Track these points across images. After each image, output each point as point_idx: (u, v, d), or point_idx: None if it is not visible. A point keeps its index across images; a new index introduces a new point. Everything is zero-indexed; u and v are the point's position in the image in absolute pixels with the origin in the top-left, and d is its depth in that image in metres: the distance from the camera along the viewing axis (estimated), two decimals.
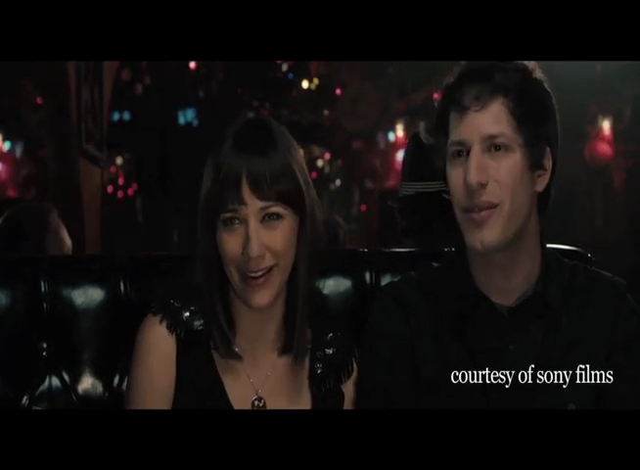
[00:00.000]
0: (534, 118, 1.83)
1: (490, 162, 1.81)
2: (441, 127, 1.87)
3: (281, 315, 1.91)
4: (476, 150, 1.81)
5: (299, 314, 1.88)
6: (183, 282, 1.91)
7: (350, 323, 2.02)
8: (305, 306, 1.89)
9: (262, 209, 1.82)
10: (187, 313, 1.88)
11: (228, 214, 1.82)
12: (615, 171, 10.56)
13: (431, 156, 2.82)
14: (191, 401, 1.84)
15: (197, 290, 1.88)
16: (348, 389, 1.94)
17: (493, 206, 1.81)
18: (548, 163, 1.87)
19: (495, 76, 1.82)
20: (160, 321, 1.86)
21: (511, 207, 1.82)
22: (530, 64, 1.87)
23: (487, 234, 1.82)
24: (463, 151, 1.83)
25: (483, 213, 1.81)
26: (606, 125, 10.33)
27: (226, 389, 1.87)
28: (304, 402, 1.91)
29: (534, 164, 1.84)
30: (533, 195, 1.86)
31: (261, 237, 1.81)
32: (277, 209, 1.83)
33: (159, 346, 1.86)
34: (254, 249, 1.80)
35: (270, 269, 1.82)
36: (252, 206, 1.81)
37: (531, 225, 1.88)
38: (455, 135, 1.84)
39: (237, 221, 1.82)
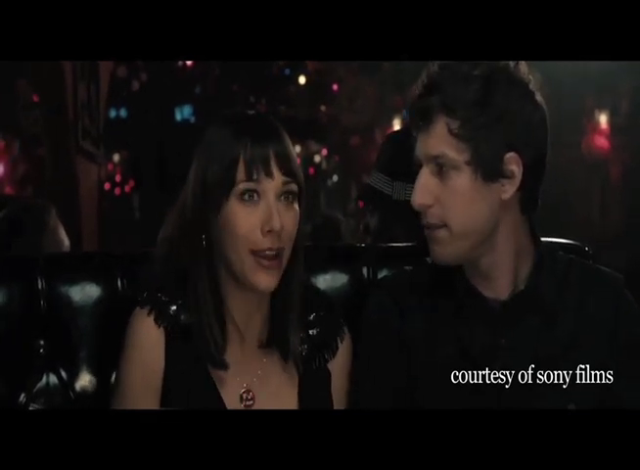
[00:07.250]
0: (485, 132, 1.77)
1: (438, 182, 1.80)
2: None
3: (268, 304, 1.90)
4: (424, 170, 1.81)
5: (292, 308, 1.88)
6: (170, 275, 1.89)
7: (334, 301, 2.02)
8: (297, 298, 1.89)
9: (284, 183, 1.83)
10: (174, 307, 1.87)
11: (251, 184, 1.81)
12: (612, 165, 10.57)
13: None
14: (180, 395, 1.84)
15: (183, 283, 1.87)
16: (335, 367, 1.94)
17: (438, 227, 1.81)
18: (515, 169, 1.80)
19: (441, 92, 1.78)
20: (148, 313, 1.86)
21: (461, 226, 1.80)
22: (511, 65, 1.80)
23: (438, 250, 1.84)
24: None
25: (431, 231, 1.82)
26: (603, 119, 10.33)
27: (215, 382, 1.86)
28: (292, 384, 1.91)
29: (492, 175, 1.79)
30: (501, 203, 1.81)
31: (281, 213, 1.82)
32: (294, 187, 1.85)
33: (147, 337, 1.85)
34: (277, 222, 1.80)
35: (281, 253, 1.82)
36: (277, 179, 1.82)
37: (507, 230, 1.84)
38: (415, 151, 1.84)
39: (256, 196, 1.82)
